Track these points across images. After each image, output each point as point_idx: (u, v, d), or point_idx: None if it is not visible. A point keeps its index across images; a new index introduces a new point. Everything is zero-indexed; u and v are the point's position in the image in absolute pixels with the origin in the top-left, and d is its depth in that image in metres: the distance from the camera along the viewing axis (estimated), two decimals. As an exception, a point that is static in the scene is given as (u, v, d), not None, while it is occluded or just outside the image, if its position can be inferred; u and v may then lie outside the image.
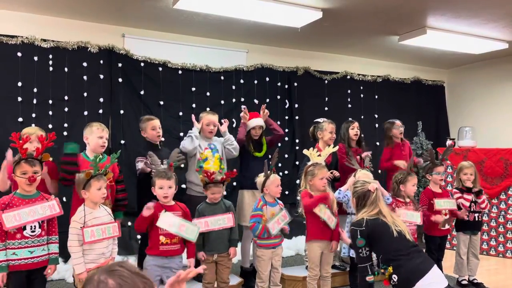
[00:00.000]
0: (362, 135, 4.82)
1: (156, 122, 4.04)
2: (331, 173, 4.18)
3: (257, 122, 4.32)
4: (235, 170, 3.62)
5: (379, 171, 5.23)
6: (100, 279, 1.17)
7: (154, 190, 3.19)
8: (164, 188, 3.15)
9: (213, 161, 4.03)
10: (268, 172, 3.59)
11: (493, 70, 6.97)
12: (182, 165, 3.81)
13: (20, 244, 2.76)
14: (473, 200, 4.29)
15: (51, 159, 3.02)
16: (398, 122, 4.99)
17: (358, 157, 4.41)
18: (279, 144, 4.98)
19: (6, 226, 2.69)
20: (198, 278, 3.82)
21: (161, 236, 3.11)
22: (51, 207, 2.88)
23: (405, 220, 3.77)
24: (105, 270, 1.20)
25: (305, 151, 3.88)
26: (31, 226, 2.80)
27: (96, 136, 3.53)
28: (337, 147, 4.06)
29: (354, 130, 4.63)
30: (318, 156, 3.76)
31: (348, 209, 3.90)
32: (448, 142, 5.89)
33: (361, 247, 2.77)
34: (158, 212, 3.08)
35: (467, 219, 4.27)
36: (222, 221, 3.43)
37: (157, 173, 3.24)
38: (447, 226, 4.18)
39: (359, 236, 2.76)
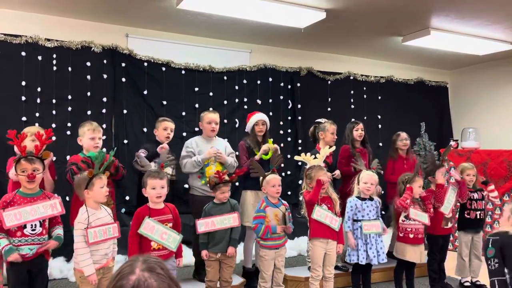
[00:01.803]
0: (366, 136, 4.81)
1: (169, 124, 4.09)
2: (332, 174, 4.17)
3: (259, 116, 4.30)
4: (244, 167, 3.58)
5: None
6: (142, 277, 1.10)
7: (145, 191, 3.07)
8: (156, 189, 3.02)
9: (215, 166, 3.99)
10: (267, 172, 3.58)
11: (497, 71, 6.96)
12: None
13: (20, 242, 2.75)
14: (473, 198, 4.30)
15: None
16: (403, 134, 4.93)
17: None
18: (282, 145, 4.97)
19: (6, 225, 2.68)
20: (201, 278, 3.82)
21: (152, 242, 3.01)
22: (52, 206, 2.86)
23: (416, 219, 3.81)
24: (147, 267, 1.13)
25: (296, 157, 3.85)
26: (32, 225, 2.78)
27: (87, 137, 3.52)
28: (333, 148, 4.04)
29: (358, 132, 4.61)
30: (314, 159, 3.74)
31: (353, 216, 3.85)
32: (452, 143, 5.86)
33: (490, 258, 2.53)
34: (143, 217, 2.99)
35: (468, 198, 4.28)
36: (228, 220, 3.43)
37: (148, 173, 3.11)
38: (450, 225, 4.17)
39: (490, 245, 2.53)
